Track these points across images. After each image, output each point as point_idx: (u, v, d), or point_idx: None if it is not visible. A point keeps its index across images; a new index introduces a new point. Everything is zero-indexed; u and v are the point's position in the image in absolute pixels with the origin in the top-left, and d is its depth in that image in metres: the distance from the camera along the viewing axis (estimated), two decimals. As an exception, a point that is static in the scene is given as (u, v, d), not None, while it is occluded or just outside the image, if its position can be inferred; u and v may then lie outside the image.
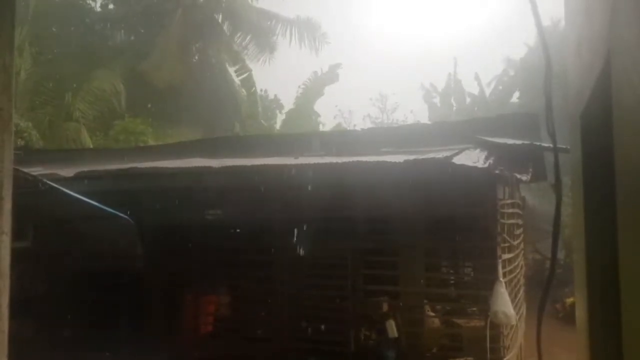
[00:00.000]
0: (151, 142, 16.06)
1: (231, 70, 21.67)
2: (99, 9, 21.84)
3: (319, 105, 23.54)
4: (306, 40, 21.30)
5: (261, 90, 23.19)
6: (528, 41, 23.86)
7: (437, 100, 27.91)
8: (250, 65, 21.84)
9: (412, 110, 30.49)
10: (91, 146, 16.25)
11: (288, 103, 24.18)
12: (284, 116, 23.74)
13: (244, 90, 21.81)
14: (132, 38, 21.66)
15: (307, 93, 22.66)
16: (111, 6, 22.08)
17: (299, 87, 23.03)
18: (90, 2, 21.45)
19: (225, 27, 21.84)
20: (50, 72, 18.11)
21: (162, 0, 21.20)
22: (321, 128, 24.11)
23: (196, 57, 21.17)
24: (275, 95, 24.32)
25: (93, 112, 18.09)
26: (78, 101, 17.47)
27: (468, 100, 26.63)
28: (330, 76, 22.66)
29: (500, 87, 25.42)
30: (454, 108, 26.51)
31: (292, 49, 21.37)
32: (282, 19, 21.49)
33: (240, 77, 21.65)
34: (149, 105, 19.48)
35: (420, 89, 28.33)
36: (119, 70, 19.07)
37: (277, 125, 23.84)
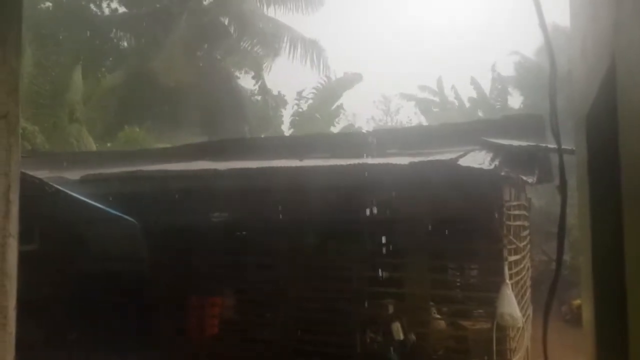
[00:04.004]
0: (155, 146, 16.14)
1: (238, 73, 21.76)
2: (105, 14, 21.92)
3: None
4: (313, 57, 21.24)
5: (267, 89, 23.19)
6: (531, 41, 23.77)
7: (433, 108, 27.86)
8: (258, 69, 21.90)
9: (416, 112, 30.41)
10: (94, 147, 16.30)
11: (293, 101, 24.25)
12: (290, 113, 23.81)
13: (252, 93, 21.89)
14: (138, 42, 21.74)
15: (322, 96, 22.85)
16: (117, 10, 22.19)
17: (313, 89, 23.15)
18: (95, 7, 21.55)
19: (231, 30, 21.88)
20: (55, 75, 18.20)
21: (168, 4, 21.28)
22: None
23: (202, 61, 21.22)
24: (279, 92, 24.33)
25: (97, 114, 18.19)
26: (82, 104, 17.58)
27: (468, 104, 26.49)
28: (350, 81, 22.90)
29: (500, 87, 25.26)
30: (455, 112, 26.41)
31: (298, 56, 21.32)
32: (290, 30, 21.46)
33: (247, 78, 21.80)
34: (154, 108, 19.54)
35: (415, 102, 28.37)
36: (124, 73, 19.16)
37: (284, 123, 23.89)
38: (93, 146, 16.48)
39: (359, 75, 23.12)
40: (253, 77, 21.64)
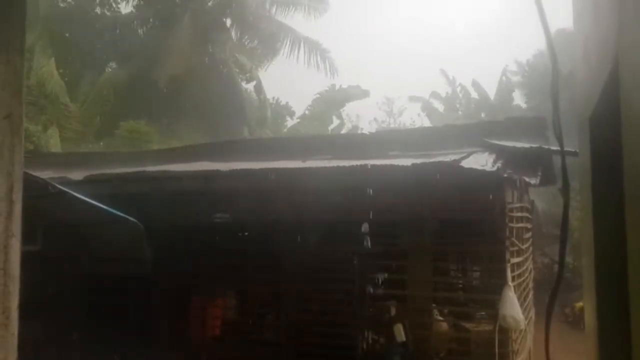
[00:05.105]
0: (156, 144, 16.11)
1: (239, 74, 21.76)
2: (108, 14, 21.98)
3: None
4: (317, 59, 21.16)
5: (273, 98, 23.31)
6: (535, 43, 23.75)
7: (440, 107, 27.88)
8: (260, 71, 21.97)
9: (420, 114, 30.47)
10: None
11: (300, 111, 24.40)
12: (295, 122, 23.90)
13: (254, 95, 21.94)
14: (141, 42, 21.78)
15: (323, 104, 22.98)
16: (122, 10, 22.26)
17: (315, 95, 23.26)
18: (100, 8, 21.62)
19: (233, 32, 21.92)
20: (58, 75, 18.23)
21: (171, 5, 21.33)
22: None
23: (204, 61, 21.25)
24: (287, 102, 24.40)
25: (98, 113, 18.20)
26: (83, 106, 17.61)
27: (473, 106, 26.47)
28: (350, 94, 23.01)
29: (503, 88, 25.25)
30: (460, 113, 26.39)
31: (302, 59, 21.27)
32: (293, 32, 21.41)
33: (249, 83, 21.82)
34: (156, 108, 19.58)
35: (418, 101, 28.44)
36: (127, 73, 19.20)
37: (288, 130, 23.98)
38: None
39: (366, 92, 23.26)
40: (247, 80, 21.67)
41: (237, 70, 21.53)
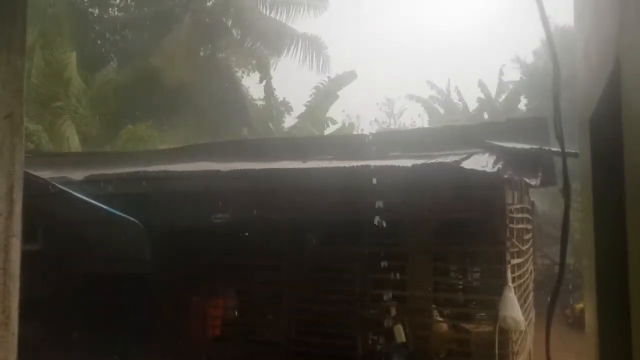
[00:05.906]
0: (156, 144, 16.12)
1: (241, 74, 21.80)
2: (108, 15, 22.01)
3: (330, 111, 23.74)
4: (312, 56, 21.13)
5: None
6: (536, 44, 23.71)
7: (440, 109, 27.94)
8: (260, 70, 21.95)
9: (420, 115, 30.55)
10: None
11: (297, 106, 24.33)
12: (294, 120, 23.89)
13: (259, 95, 22.00)
14: (141, 42, 21.79)
15: (319, 97, 22.91)
16: (121, 12, 22.28)
17: (312, 90, 23.20)
18: (100, 8, 21.66)
19: (233, 32, 21.91)
20: (58, 75, 18.23)
21: (171, 5, 21.36)
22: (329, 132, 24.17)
23: (204, 61, 21.25)
24: (284, 98, 24.37)
25: (99, 113, 18.23)
26: (77, 104, 17.63)
27: (474, 106, 26.47)
28: (344, 80, 22.90)
29: (509, 90, 25.24)
30: (459, 115, 26.40)
31: (299, 56, 21.24)
32: (291, 30, 21.42)
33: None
34: (156, 108, 19.59)
35: (418, 101, 28.50)
36: (126, 74, 19.23)
37: (286, 128, 23.96)
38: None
39: (353, 74, 23.09)
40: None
41: (238, 69, 21.54)
